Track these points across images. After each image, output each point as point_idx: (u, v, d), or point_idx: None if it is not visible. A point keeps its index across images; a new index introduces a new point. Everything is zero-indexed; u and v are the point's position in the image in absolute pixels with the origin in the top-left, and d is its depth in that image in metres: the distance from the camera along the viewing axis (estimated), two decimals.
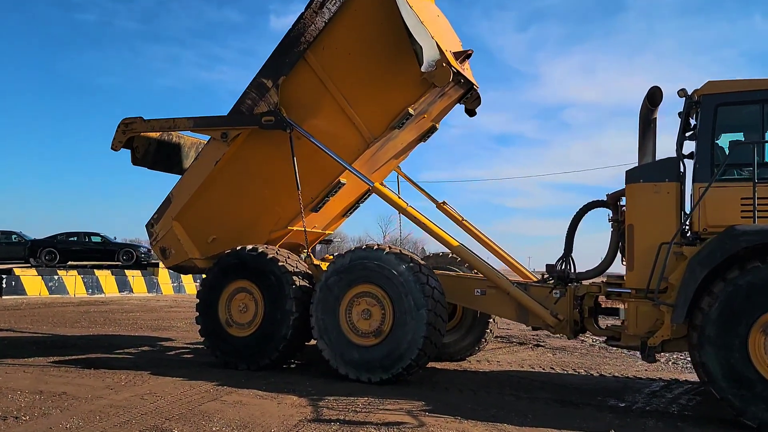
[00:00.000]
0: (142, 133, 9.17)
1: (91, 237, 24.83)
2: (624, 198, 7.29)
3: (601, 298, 7.57)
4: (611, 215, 7.61)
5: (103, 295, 22.04)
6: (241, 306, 8.03)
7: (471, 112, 9.16)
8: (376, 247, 7.48)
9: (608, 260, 7.58)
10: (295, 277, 7.78)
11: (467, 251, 7.78)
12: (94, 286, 22.10)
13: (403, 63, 7.68)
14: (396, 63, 7.74)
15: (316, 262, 8.23)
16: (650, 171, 6.81)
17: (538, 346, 11.41)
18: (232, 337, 8.06)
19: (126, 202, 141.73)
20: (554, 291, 7.35)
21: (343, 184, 8.63)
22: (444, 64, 7.34)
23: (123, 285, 23.10)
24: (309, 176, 8.23)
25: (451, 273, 8.45)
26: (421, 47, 7.25)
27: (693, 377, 8.24)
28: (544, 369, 9.08)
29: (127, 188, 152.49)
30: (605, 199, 7.76)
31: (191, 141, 10.41)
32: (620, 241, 7.49)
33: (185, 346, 10.78)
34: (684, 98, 6.74)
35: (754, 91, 6.34)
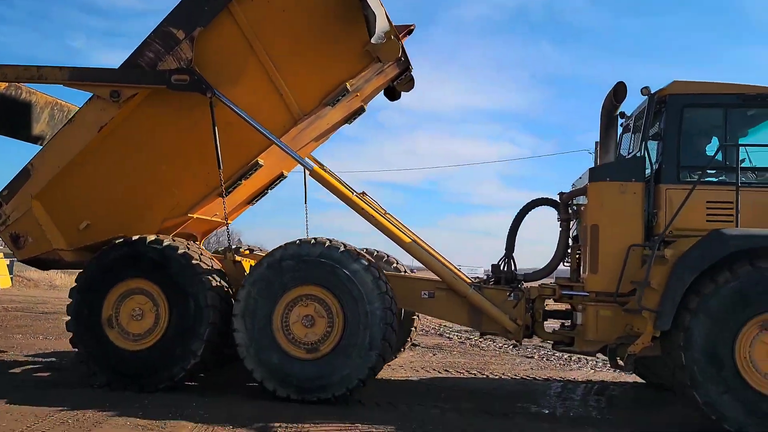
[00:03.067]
0: None
1: None
2: (580, 198, 7.00)
3: (548, 302, 7.18)
4: (560, 214, 7.26)
5: None
6: (135, 312, 6.35)
7: (396, 95, 8.30)
8: (320, 242, 6.32)
9: (556, 261, 7.22)
10: (211, 279, 6.31)
11: (420, 250, 6.91)
12: None
13: (347, 29, 6.58)
14: (338, 28, 6.60)
15: (238, 258, 6.79)
16: (617, 170, 6.51)
17: (414, 346, 10.91)
18: (120, 350, 6.35)
19: None
20: (510, 294, 6.78)
21: (261, 166, 7.27)
22: (392, 37, 6.40)
23: None
24: (222, 153, 6.75)
25: (395, 274, 7.53)
26: (374, 15, 6.24)
27: (575, 375, 8.91)
28: (440, 372, 8.72)
29: None
30: (551, 197, 7.44)
31: (46, 100, 8.26)
32: (568, 241, 7.19)
33: (28, 359, 8.55)
34: (647, 96, 6.57)
35: (721, 95, 6.32)
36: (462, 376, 8.57)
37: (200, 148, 6.76)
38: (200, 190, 7.08)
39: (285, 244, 6.46)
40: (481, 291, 6.75)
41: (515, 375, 8.73)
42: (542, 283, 7.06)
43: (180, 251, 6.35)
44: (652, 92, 6.52)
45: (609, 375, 8.89)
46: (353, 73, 6.88)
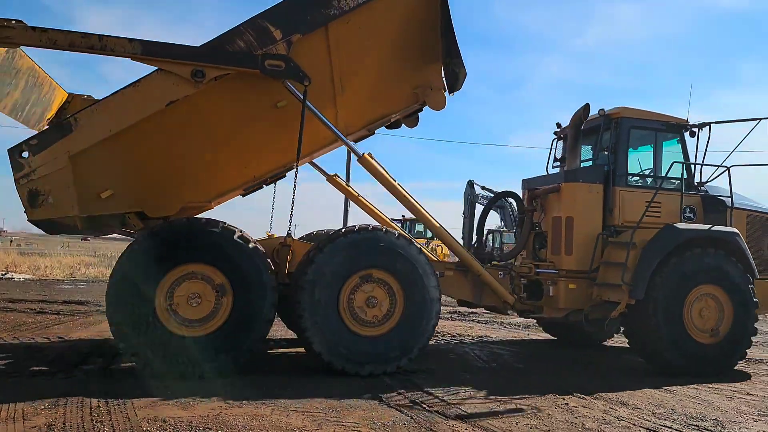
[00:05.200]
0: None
1: None
2: (547, 194, 8.54)
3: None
4: (526, 205, 8.77)
5: None
6: (193, 297, 6.16)
7: (398, 126, 8.50)
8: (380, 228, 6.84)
9: (522, 244, 8.73)
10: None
11: (446, 233, 7.80)
12: None
13: (411, 69, 7.28)
14: (406, 69, 7.23)
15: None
16: (586, 173, 8.24)
17: None
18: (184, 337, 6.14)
19: None
20: (501, 273, 8.10)
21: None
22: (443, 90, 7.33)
23: None
24: (268, 149, 6.92)
25: None
26: (465, 72, 7.13)
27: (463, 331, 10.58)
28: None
29: None
30: (515, 191, 8.97)
31: (28, 65, 7.01)
32: (533, 228, 8.73)
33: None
34: (602, 117, 8.40)
35: (653, 121, 8.42)
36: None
37: (248, 141, 6.75)
38: (232, 182, 7.04)
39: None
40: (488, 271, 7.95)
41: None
42: (522, 262, 8.50)
43: (251, 245, 6.35)
44: (606, 113, 8.38)
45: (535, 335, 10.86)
46: (400, 108, 7.58)
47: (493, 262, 8.43)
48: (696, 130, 8.44)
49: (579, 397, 6.12)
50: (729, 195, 8.05)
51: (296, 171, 6.79)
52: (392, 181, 7.39)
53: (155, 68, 6.03)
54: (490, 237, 20.99)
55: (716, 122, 8.31)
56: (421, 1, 6.81)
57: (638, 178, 8.49)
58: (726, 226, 7.91)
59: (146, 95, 6.02)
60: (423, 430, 4.79)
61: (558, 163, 9.43)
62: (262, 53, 6.16)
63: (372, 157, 7.10)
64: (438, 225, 7.74)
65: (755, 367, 8.32)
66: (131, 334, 6.01)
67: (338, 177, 8.82)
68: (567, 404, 5.81)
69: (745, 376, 7.65)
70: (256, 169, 7.13)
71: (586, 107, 8.36)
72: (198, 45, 6.14)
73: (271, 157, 7.10)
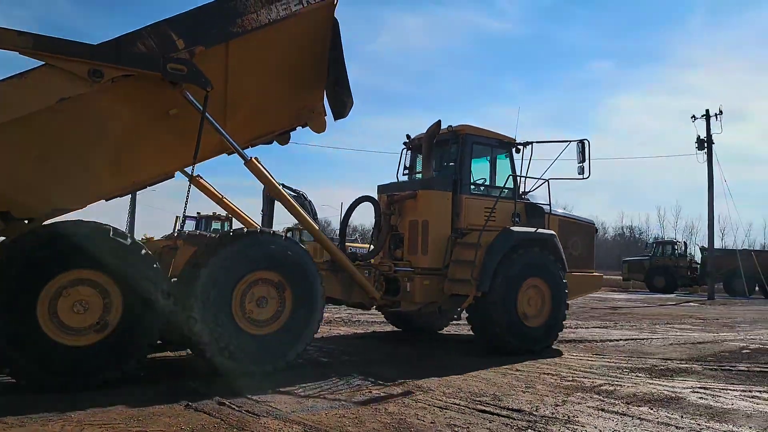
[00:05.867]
0: None
1: None
2: (404, 200, 9.43)
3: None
4: (383, 209, 9.57)
5: None
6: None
7: (270, 143, 8.68)
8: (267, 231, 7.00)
9: (381, 245, 9.51)
10: None
11: (323, 236, 8.14)
12: None
13: (299, 94, 7.70)
14: (293, 92, 7.62)
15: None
16: (439, 182, 9.31)
17: None
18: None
19: None
20: (366, 271, 8.77)
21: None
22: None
23: None
24: (151, 157, 6.81)
25: None
26: (352, 102, 7.76)
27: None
28: None
29: None
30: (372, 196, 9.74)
31: None
32: (390, 230, 9.57)
33: None
34: (450, 133, 9.57)
35: (490, 138, 9.81)
36: None
37: (132, 147, 6.57)
38: (108, 187, 6.87)
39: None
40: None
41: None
42: (381, 261, 9.28)
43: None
44: (453, 128, 9.57)
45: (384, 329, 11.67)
46: (284, 127, 7.98)
47: (356, 262, 9.09)
48: (521, 147, 10.05)
49: (382, 385, 6.52)
50: (548, 203, 9.77)
51: (191, 176, 6.81)
52: (277, 185, 7.65)
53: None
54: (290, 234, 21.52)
55: (537, 142, 9.98)
56: (315, 31, 7.20)
57: (477, 186, 9.82)
58: (545, 229, 9.59)
59: (36, 89, 5.52)
60: (234, 430, 4.71)
61: (407, 171, 10.46)
62: (164, 57, 6.04)
63: (258, 161, 7.28)
64: (317, 228, 8.19)
65: (566, 345, 10.17)
66: None
67: (201, 178, 8.81)
68: (370, 392, 6.19)
69: (557, 353, 9.34)
70: (135, 175, 6.93)
71: (438, 123, 9.46)
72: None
73: (153, 164, 6.95)
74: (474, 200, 9.47)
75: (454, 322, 11.45)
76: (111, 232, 5.97)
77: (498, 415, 5.44)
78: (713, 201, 30.67)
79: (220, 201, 8.90)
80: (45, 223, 6.35)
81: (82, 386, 5.68)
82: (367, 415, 5.30)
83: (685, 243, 38.46)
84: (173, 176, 7.31)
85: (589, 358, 8.88)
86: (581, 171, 9.38)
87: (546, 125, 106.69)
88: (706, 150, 30.86)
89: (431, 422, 5.13)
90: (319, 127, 7.90)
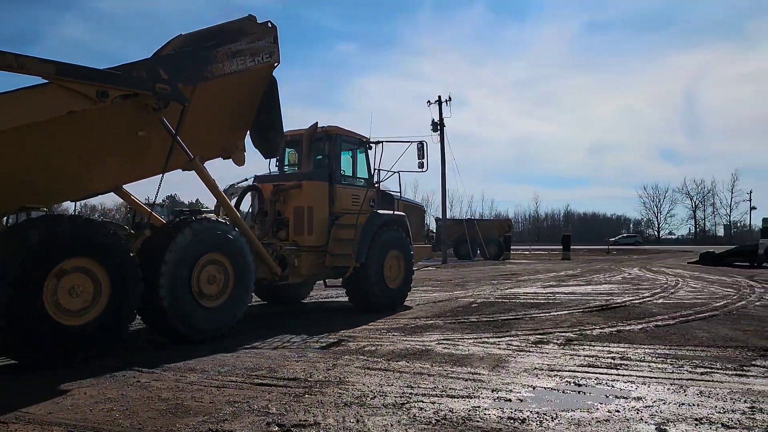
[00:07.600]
0: None
1: None
2: (289, 189, 10.90)
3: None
4: (268, 196, 10.89)
5: None
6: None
7: None
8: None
9: (269, 227, 10.83)
10: None
11: (241, 219, 9.17)
12: None
13: (235, 133, 9.15)
14: (228, 129, 8.95)
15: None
16: (318, 174, 11.02)
17: None
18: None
19: None
20: (269, 250, 10.06)
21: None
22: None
23: None
24: (113, 169, 7.63)
25: None
26: (284, 141, 9.37)
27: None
28: None
29: None
30: (256, 184, 11.01)
31: None
32: (276, 215, 10.95)
33: None
34: (323, 132, 11.34)
35: (352, 137, 11.82)
36: None
37: (102, 159, 7.32)
38: (68, 193, 7.57)
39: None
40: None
41: None
42: (267, 242, 10.62)
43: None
44: (325, 129, 11.36)
45: None
46: (213, 156, 9.13)
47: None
48: (373, 145, 12.29)
49: (149, 372, 6.06)
50: (398, 191, 12.28)
51: (162, 177, 7.74)
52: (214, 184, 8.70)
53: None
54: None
55: (386, 141, 12.30)
56: (256, 84, 8.80)
57: (345, 177, 11.79)
58: (397, 211, 12.09)
59: (48, 100, 6.18)
60: None
61: (285, 164, 11.96)
62: (153, 80, 7.10)
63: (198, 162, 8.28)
64: (236, 212, 9.31)
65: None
66: None
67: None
68: (139, 381, 5.69)
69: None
70: (92, 185, 7.68)
71: (316, 124, 11.16)
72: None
73: (111, 177, 7.78)
74: (344, 189, 11.42)
75: None
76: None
77: (276, 386, 5.46)
78: (446, 177, 36.52)
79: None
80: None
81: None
82: (139, 405, 4.83)
83: None
84: (119, 187, 8.37)
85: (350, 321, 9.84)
86: (421, 165, 12.06)
87: (302, 103, 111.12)
88: (439, 132, 36.41)
89: (210, 402, 4.91)
90: (240, 161, 9.18)
